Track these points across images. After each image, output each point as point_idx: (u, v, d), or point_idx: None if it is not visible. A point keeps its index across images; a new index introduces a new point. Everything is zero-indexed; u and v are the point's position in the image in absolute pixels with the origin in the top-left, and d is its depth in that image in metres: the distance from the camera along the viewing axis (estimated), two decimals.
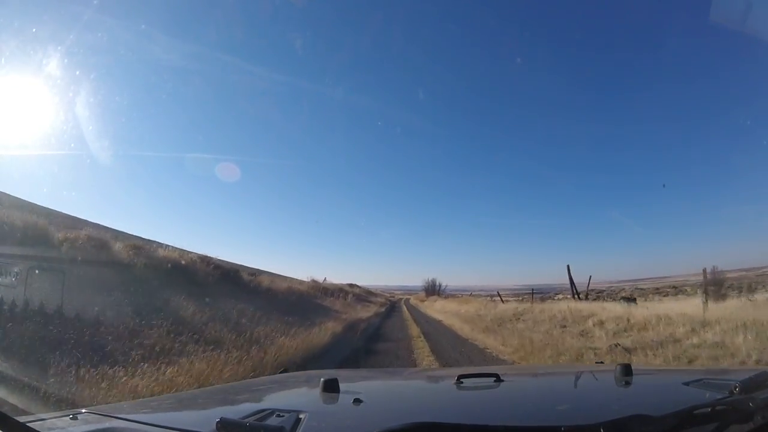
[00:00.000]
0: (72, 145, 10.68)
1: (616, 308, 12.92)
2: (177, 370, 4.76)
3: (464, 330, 14.28)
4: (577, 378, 1.94)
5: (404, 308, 35.51)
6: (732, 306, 11.26)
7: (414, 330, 14.77)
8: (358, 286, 44.05)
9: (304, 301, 16.64)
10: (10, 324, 4.72)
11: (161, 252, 10.72)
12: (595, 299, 21.39)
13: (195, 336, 6.60)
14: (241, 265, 16.36)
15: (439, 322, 19.53)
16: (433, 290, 62.90)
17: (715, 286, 17.47)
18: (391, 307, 36.94)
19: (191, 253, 12.20)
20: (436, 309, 29.10)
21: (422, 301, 49.55)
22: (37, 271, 5.67)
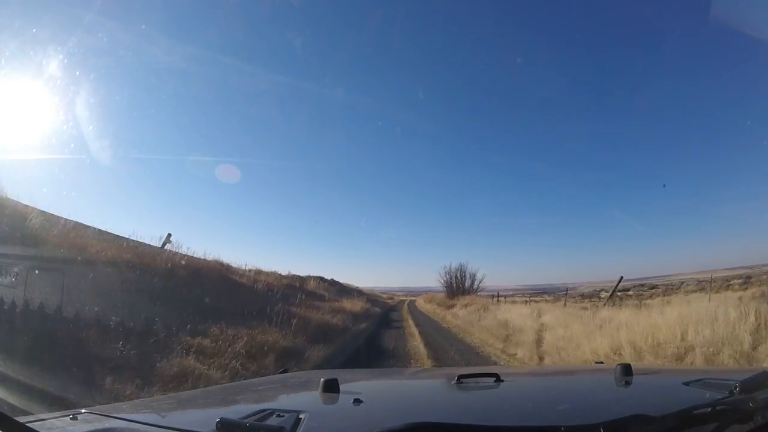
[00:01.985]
0: (72, 146, 10.61)
1: None
2: None
3: None
4: (577, 378, 1.94)
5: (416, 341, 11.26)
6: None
7: None
8: (335, 282, 31.40)
9: None
10: (10, 324, 4.71)
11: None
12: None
13: None
14: None
15: None
16: (460, 288, 35.25)
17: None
18: (370, 338, 12.54)
19: None
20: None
21: (448, 307, 24.83)
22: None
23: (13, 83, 8.45)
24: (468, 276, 37.12)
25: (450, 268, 38.27)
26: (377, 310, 27.45)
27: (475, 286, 36.11)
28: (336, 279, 34.62)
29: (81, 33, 11.20)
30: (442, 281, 38.49)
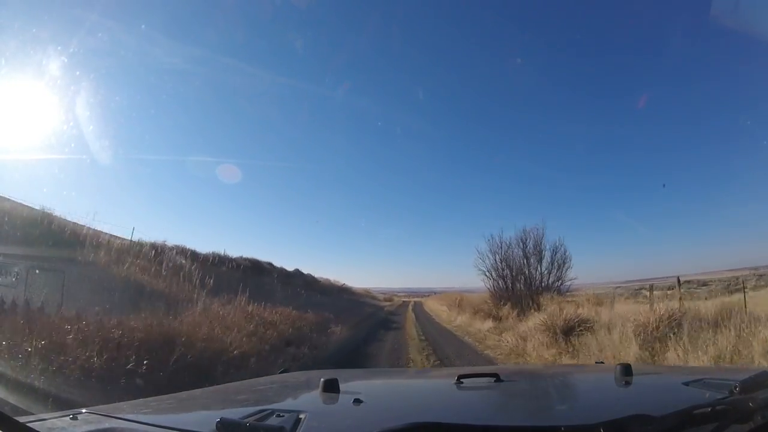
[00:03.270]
0: (72, 146, 10.51)
1: None
2: None
3: None
4: (577, 378, 1.94)
5: None
6: None
7: None
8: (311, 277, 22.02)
9: None
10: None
11: None
12: None
13: None
14: None
15: None
16: (529, 281, 15.79)
17: None
18: None
19: None
20: None
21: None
22: None
23: (13, 83, 8.43)
24: (549, 253, 16.68)
25: (501, 240, 17.48)
26: (339, 334, 12.28)
27: (562, 280, 16.48)
28: (311, 273, 23.44)
29: (82, 33, 11.20)
30: (486, 266, 17.58)
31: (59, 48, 10.09)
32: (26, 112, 9.90)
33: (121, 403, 1.31)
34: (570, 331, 8.10)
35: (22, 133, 10.82)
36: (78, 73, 10.35)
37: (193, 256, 13.71)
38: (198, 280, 10.73)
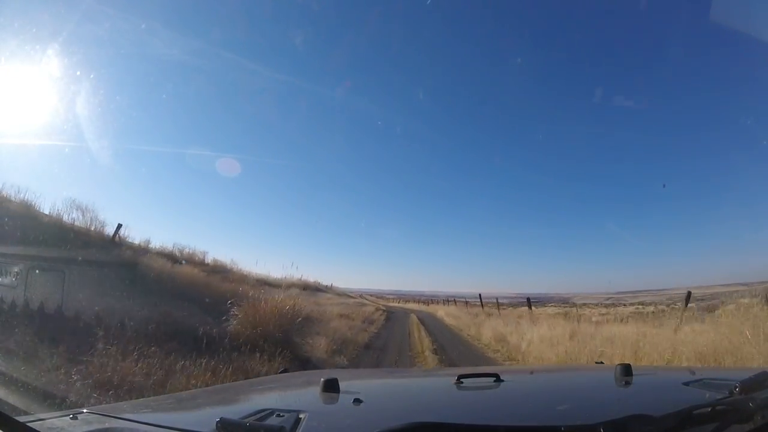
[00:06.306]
0: (71, 140, 10.34)
1: None
2: None
3: None
4: (577, 378, 1.94)
5: None
6: None
7: None
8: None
9: None
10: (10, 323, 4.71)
11: None
12: None
13: None
14: None
15: None
16: None
17: None
18: None
19: None
20: None
21: None
22: None
23: (13, 74, 8.32)
24: None
25: None
26: None
27: None
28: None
29: (81, 22, 11.07)
30: None
31: (59, 39, 9.95)
32: (24, 100, 9.75)
33: (121, 402, 1.31)
34: None
35: (17, 119, 10.62)
36: (79, 73, 10.27)
37: None
38: None
